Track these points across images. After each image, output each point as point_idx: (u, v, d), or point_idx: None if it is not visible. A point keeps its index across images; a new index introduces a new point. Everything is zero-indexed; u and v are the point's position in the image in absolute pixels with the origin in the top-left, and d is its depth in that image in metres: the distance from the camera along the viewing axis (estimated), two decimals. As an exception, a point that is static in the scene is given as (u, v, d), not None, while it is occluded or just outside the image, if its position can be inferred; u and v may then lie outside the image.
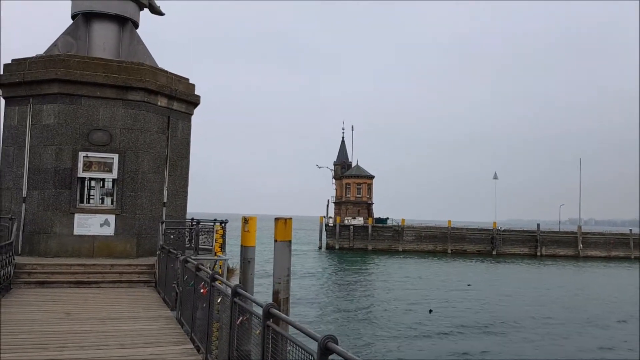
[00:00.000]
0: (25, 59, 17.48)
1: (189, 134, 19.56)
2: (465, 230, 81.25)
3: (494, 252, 76.93)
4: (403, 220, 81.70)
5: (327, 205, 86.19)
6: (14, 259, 14.24)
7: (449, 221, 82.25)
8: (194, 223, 17.35)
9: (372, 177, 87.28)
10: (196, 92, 19.86)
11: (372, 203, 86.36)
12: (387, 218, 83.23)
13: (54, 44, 18.47)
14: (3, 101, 17.65)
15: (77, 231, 16.61)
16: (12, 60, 17.69)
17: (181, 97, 18.92)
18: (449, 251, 77.12)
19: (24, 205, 16.82)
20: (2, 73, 17.57)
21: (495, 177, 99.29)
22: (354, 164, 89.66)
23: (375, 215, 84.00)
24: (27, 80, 16.99)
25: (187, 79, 19.67)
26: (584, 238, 78.87)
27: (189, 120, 19.64)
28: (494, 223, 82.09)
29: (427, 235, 79.90)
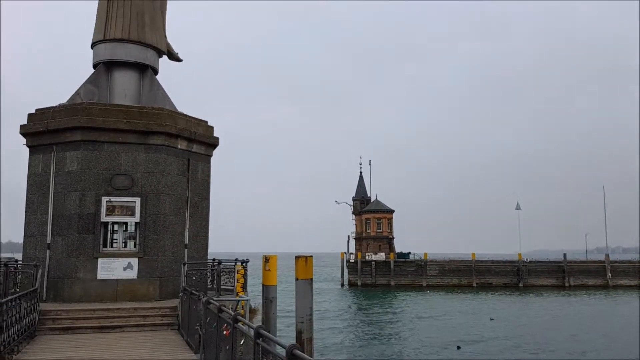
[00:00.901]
0: (48, 108, 17.99)
1: (208, 175, 19.77)
2: (490, 263, 79.87)
3: (521, 285, 75.27)
4: (426, 254, 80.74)
5: (348, 241, 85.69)
6: (38, 305, 14.33)
7: (473, 254, 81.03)
8: (215, 264, 17.37)
9: (392, 212, 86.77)
10: (215, 134, 20.16)
11: (393, 238, 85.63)
12: (409, 253, 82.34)
13: (77, 93, 19.00)
14: (27, 150, 18.10)
15: (100, 275, 16.71)
16: (36, 110, 18.22)
17: (200, 140, 19.21)
18: (474, 285, 75.70)
19: (48, 251, 17.02)
20: (26, 123, 18.07)
21: (518, 208, 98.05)
22: (372, 199, 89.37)
23: (397, 250, 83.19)
24: (50, 129, 17.44)
25: (206, 122, 20.00)
26: (613, 267, 76.91)
27: (209, 162, 19.88)
28: (519, 254, 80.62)
29: (451, 269, 78.68)
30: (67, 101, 18.56)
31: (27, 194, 17.76)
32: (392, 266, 78.47)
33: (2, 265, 16.16)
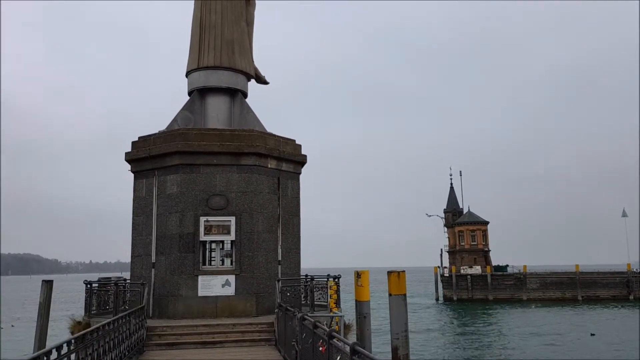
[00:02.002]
0: (149, 136, 19.21)
1: (298, 193, 20.16)
2: (595, 275, 74.77)
3: (631, 297, 69.73)
4: (525, 267, 77.00)
5: (441, 255, 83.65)
6: (145, 322, 15.21)
7: (577, 265, 76.25)
8: (308, 280, 17.61)
9: (486, 223, 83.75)
10: (302, 152, 20.56)
11: (488, 250, 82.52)
12: (507, 265, 78.92)
13: (174, 120, 20.14)
14: (132, 176, 19.38)
15: (201, 292, 17.46)
16: (139, 138, 19.51)
17: (289, 158, 19.67)
18: (580, 298, 71.10)
19: (153, 270, 18.06)
20: (130, 150, 19.39)
21: (625, 215, 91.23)
22: (465, 211, 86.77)
23: (494, 263, 80.00)
24: (152, 155, 18.59)
25: (294, 140, 20.46)
26: None
27: (298, 179, 20.29)
28: (628, 265, 74.82)
29: (553, 281, 74.46)
30: (166, 128, 19.73)
31: (133, 216, 19.01)
32: (489, 280, 75.52)
33: (113, 284, 17.36)
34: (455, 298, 75.88)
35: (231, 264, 17.98)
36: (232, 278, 17.69)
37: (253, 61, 21.65)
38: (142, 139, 19.36)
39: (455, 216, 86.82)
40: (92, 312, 16.94)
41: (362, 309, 15.00)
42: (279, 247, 18.84)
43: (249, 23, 21.49)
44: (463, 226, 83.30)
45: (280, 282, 16.72)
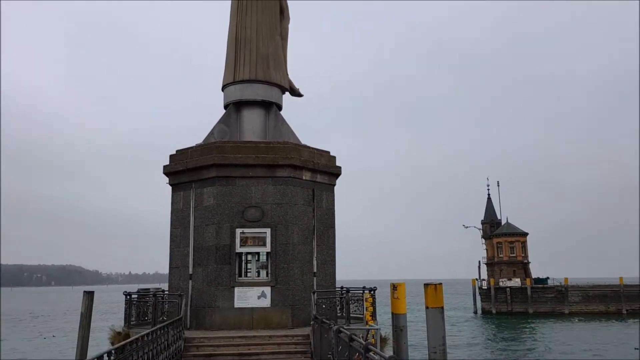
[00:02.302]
0: (187, 149, 19.55)
1: (333, 204, 20.15)
2: (641, 287, 72.03)
3: (681, 311, 66.88)
4: (566, 279, 74.86)
5: (479, 267, 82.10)
6: (183, 333, 15.38)
7: (621, 278, 73.68)
8: (343, 292, 17.52)
9: (525, 234, 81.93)
10: (337, 164, 20.57)
11: (528, 262, 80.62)
12: (547, 278, 76.85)
13: (211, 133, 20.45)
14: (170, 188, 19.73)
15: (237, 304, 17.57)
16: (177, 151, 19.87)
17: (323, 170, 19.71)
18: (624, 312, 68.56)
19: (190, 281, 18.28)
20: (168, 163, 19.76)
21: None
22: (503, 222, 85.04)
23: (534, 275, 78.02)
24: (189, 168, 18.90)
25: (328, 152, 20.50)
26: None
27: (332, 191, 20.29)
28: (677, 277, 71.89)
29: (595, 294, 72.08)
30: (203, 141, 20.05)
31: (171, 228, 19.34)
32: (529, 292, 73.64)
33: (151, 296, 17.65)
34: (494, 311, 74.23)
35: (267, 275, 18.06)
36: (267, 290, 17.75)
37: (287, 74, 21.86)
38: (180, 152, 19.71)
39: (493, 227, 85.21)
40: (132, 323, 17.25)
41: (398, 322, 14.82)
42: (314, 258, 18.83)
43: (284, 37, 21.74)
44: (501, 237, 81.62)
45: (315, 294, 16.69)
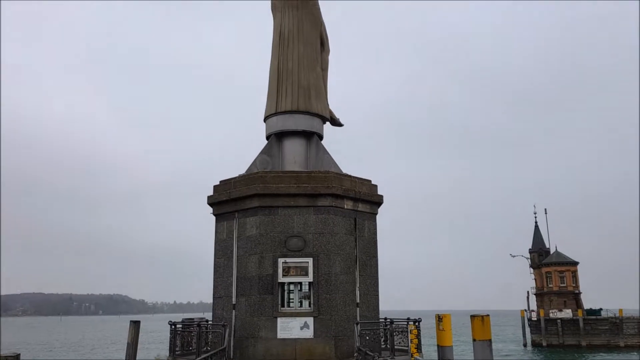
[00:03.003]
0: (230, 180, 19.89)
1: (375, 233, 20.00)
2: None
3: None
4: (620, 310, 71.51)
5: (527, 297, 79.47)
6: (227, 362, 15.37)
7: (681, 309, 69.88)
8: (387, 323, 17.22)
9: (575, 264, 79.07)
10: (378, 192, 20.49)
11: (579, 292, 77.56)
12: (601, 309, 73.63)
13: (253, 163, 20.77)
14: (214, 218, 20.04)
15: (280, 335, 17.50)
16: (220, 182, 20.24)
17: (365, 199, 19.65)
18: (687, 346, 64.77)
19: (233, 312, 18.35)
20: (212, 194, 20.12)
21: None
22: (552, 250, 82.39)
23: (585, 306, 74.90)
24: (232, 198, 19.19)
25: (369, 181, 20.46)
26: None
27: (374, 220, 20.16)
28: None
29: (654, 327, 68.42)
30: (246, 171, 20.37)
31: (214, 258, 19.57)
32: (581, 324, 70.65)
33: (195, 326, 17.79)
34: (544, 344, 71.40)
35: (309, 305, 17.96)
36: (310, 320, 17.63)
37: (328, 104, 22.11)
38: (223, 182, 20.07)
39: (541, 256, 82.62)
40: (176, 352, 17.39)
41: (444, 354, 14.42)
42: (357, 289, 18.64)
43: (324, 68, 22.09)
44: (550, 267, 78.98)
45: (359, 325, 16.47)
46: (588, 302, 76.86)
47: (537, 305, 78.34)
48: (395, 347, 16.59)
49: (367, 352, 12.95)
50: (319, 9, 22.08)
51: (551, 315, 72.98)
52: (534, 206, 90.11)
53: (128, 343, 16.74)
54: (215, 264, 19.51)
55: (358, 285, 18.72)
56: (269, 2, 22.51)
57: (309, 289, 18.16)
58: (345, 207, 19.04)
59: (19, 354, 16.94)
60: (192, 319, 20.00)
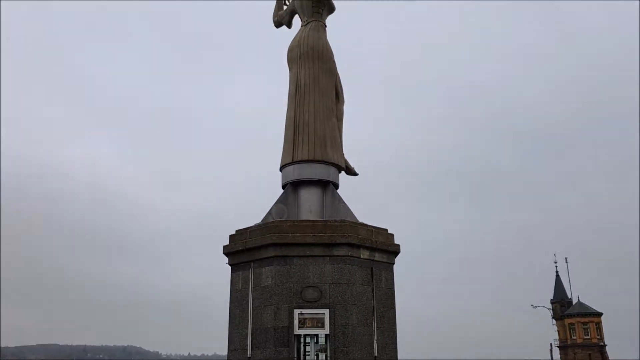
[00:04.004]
0: (246, 229, 19.87)
1: (392, 284, 19.69)
2: None
3: None
4: (649, 364, 68.74)
5: (551, 350, 76.76)
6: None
7: None
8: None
9: (599, 314, 76.82)
10: (395, 241, 20.29)
11: (604, 345, 74.94)
12: (628, 362, 70.91)
13: (269, 213, 20.77)
14: (229, 268, 19.93)
15: (295, 389, 17.00)
16: (236, 231, 20.22)
17: (382, 248, 19.45)
18: None
19: (248, 364, 17.95)
20: (228, 243, 20.08)
21: None
22: (574, 301, 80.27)
23: (612, 359, 72.20)
24: (248, 247, 19.12)
25: (386, 230, 20.30)
26: None
27: (391, 270, 19.89)
28: None
29: (686, 382, 65.51)
30: (262, 220, 20.36)
31: (229, 309, 19.33)
32: (608, 379, 67.88)
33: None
34: (570, 400, 68.53)
35: (326, 359, 17.51)
36: (327, 374, 17.15)
37: (343, 154, 22.26)
38: (239, 232, 20.05)
39: (564, 307, 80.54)
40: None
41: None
42: (375, 341, 18.19)
43: (339, 118, 22.40)
44: (573, 318, 76.80)
45: (377, 379, 15.98)
46: (614, 354, 74.09)
47: (561, 357, 75.69)
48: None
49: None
50: (334, 61, 22.57)
51: (576, 369, 70.43)
52: (555, 255, 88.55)
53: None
54: (230, 315, 19.26)
55: (376, 337, 18.28)
56: (285, 55, 23.06)
57: (325, 341, 17.76)
58: (362, 256, 18.83)
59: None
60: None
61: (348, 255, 18.45)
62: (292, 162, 21.25)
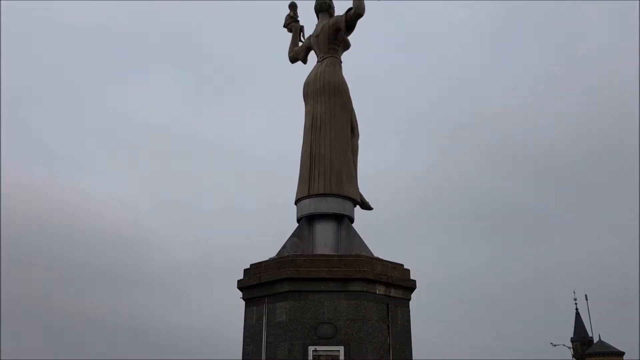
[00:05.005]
0: (260, 263, 19.72)
1: (408, 320, 19.31)
2: None
3: None
4: (676, 407, 66.17)
5: (572, 391, 74.49)
6: None
7: None
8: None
9: (621, 354, 74.61)
10: (411, 277, 19.99)
11: (628, 386, 72.43)
12: (654, 405, 68.34)
13: (284, 246, 20.65)
14: (243, 303, 19.72)
15: None
16: (251, 265, 20.08)
17: (397, 284, 19.16)
18: None
19: (261, 402, 17.57)
20: (242, 278, 19.92)
21: None
22: (595, 339, 78.16)
23: (637, 402, 69.68)
24: (262, 282, 18.94)
25: (402, 265, 20.04)
26: None
27: (407, 306, 19.54)
28: None
29: None
30: (276, 255, 20.23)
31: (243, 345, 19.04)
32: (633, 422, 65.42)
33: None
34: None
35: (340, 397, 17.10)
36: (341, 413, 16.72)
37: (358, 188, 22.21)
38: (254, 266, 19.90)
39: (584, 345, 78.42)
40: None
41: None
42: (391, 380, 17.74)
43: (354, 153, 22.43)
44: (594, 357, 74.61)
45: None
46: (639, 397, 71.41)
47: (583, 399, 73.31)
48: None
49: None
50: (350, 97, 22.73)
51: (599, 411, 68.02)
52: (574, 292, 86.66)
53: None
54: (243, 351, 18.95)
55: (392, 376, 17.83)
56: (301, 90, 23.29)
57: (340, 379, 17.36)
58: (377, 292, 18.54)
59: None
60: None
61: (363, 291, 18.18)
62: (308, 196, 21.19)
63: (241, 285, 19.88)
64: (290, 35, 25.44)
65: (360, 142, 23.23)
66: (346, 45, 23.38)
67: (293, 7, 24.92)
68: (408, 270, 20.16)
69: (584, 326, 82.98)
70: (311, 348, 17.48)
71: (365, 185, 23.34)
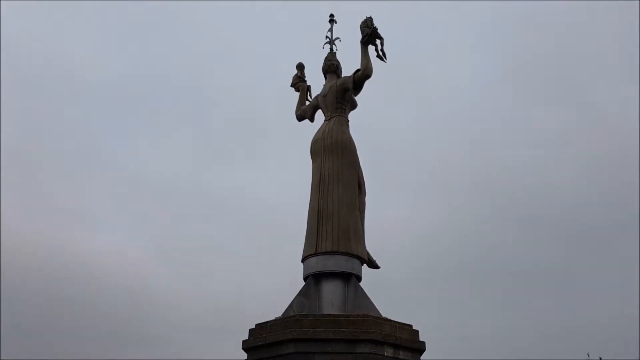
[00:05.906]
0: (266, 323, 19.30)
1: (418, 384, 18.67)
2: None
3: None
4: None
5: None
6: None
7: None
8: None
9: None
10: (420, 338, 19.48)
11: None
12: None
13: (290, 306, 20.26)
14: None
15: None
16: (256, 325, 19.65)
17: (406, 345, 18.64)
18: None
19: None
20: (247, 338, 19.47)
21: None
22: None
23: None
24: (267, 343, 18.48)
25: (410, 326, 19.56)
26: None
27: (417, 369, 18.95)
28: None
29: None
30: (282, 314, 19.84)
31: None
32: None
33: None
34: None
35: None
36: None
37: (365, 246, 22.02)
38: (259, 326, 19.47)
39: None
40: None
41: None
42: None
43: (362, 211, 22.33)
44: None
45: None
46: None
47: None
48: None
49: None
50: (357, 155, 22.87)
51: None
52: (588, 355, 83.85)
53: None
54: (247, 416, 18.29)
55: None
56: (309, 147, 23.46)
57: None
58: (385, 354, 17.99)
59: None
60: None
61: (371, 353, 17.66)
62: (316, 254, 20.92)
63: (246, 346, 19.36)
64: (297, 94, 25.98)
65: (368, 199, 23.21)
66: (353, 105, 23.73)
67: (300, 67, 25.56)
68: (417, 331, 19.63)
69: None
70: (318, 413, 16.84)
71: (373, 243, 23.18)
